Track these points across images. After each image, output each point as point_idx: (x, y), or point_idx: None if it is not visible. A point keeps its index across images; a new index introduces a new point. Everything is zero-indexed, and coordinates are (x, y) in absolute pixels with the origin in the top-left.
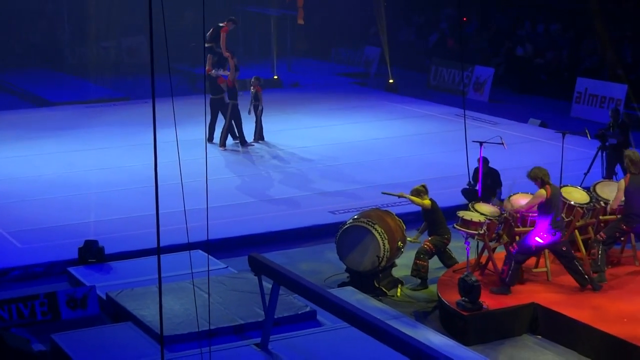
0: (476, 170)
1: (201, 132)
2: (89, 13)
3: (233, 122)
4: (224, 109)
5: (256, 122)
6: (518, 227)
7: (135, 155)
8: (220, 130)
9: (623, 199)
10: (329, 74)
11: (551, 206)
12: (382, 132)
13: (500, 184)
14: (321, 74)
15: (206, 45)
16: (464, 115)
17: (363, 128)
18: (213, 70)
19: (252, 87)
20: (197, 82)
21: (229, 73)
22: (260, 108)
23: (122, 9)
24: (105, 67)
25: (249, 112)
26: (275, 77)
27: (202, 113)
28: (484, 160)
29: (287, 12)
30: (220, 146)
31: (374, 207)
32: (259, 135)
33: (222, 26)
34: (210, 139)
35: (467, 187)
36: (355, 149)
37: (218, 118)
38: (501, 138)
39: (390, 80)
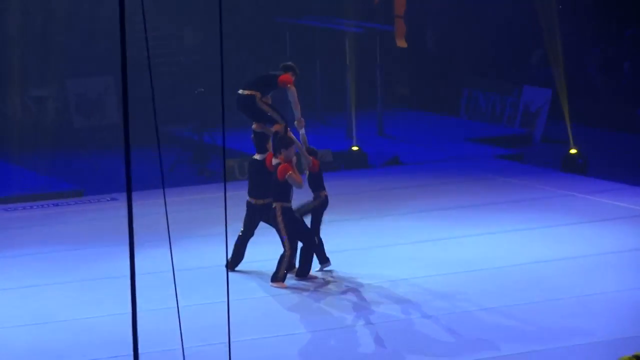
0: None
1: (221, 255)
2: (6, 36)
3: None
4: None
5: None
6: None
7: (95, 299)
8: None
9: None
10: (455, 139)
11: None
12: (561, 249)
13: None
14: (441, 142)
15: (243, 92)
16: None
17: (522, 242)
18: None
19: (305, 168)
20: (211, 161)
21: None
22: (317, 202)
23: (69, 29)
24: (39, 135)
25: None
26: (355, 147)
27: (219, 218)
28: None
29: (374, 26)
30: (274, 281)
31: None
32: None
33: (278, 75)
34: (235, 263)
35: None
36: (510, 282)
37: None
38: None
39: (572, 150)
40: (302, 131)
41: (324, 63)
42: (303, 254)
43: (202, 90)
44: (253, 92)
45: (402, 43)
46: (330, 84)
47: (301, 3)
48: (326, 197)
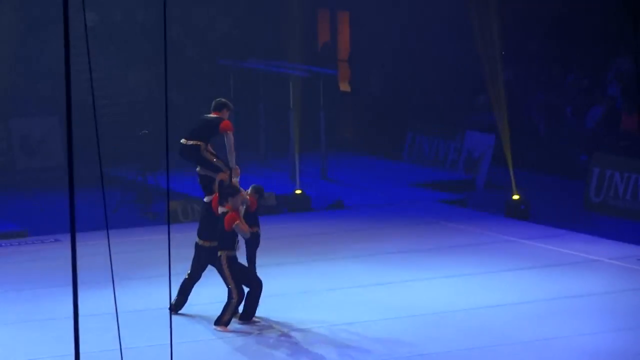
0: None
1: (164, 297)
2: None
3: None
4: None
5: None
6: None
7: (38, 340)
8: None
9: None
10: (398, 183)
11: None
12: (502, 294)
13: None
14: (384, 185)
15: (187, 143)
16: None
17: (465, 288)
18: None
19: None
20: (155, 202)
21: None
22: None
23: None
24: None
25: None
26: (299, 191)
27: (163, 259)
28: None
29: (318, 70)
30: (218, 325)
31: None
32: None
33: (219, 122)
34: (179, 305)
35: None
36: (452, 328)
37: (205, 271)
38: None
39: (515, 196)
40: (235, 180)
41: (268, 106)
42: (248, 299)
43: (147, 132)
44: (197, 143)
45: (345, 87)
46: (274, 126)
47: (245, 46)
48: (258, 234)
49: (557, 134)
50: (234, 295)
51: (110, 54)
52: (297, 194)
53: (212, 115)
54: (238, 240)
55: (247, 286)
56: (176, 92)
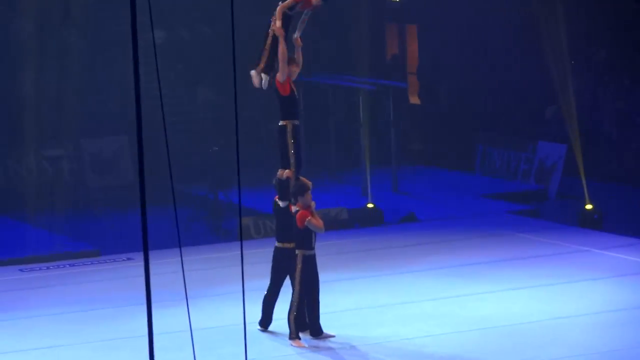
0: None
1: (238, 314)
2: (22, 96)
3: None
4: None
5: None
6: None
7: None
8: (289, 308)
9: None
10: (470, 195)
11: None
12: (578, 305)
13: None
14: (455, 198)
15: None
16: None
17: (539, 299)
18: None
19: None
20: (227, 219)
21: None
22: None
23: (83, 90)
24: (54, 195)
25: None
26: (370, 205)
27: (236, 276)
28: None
29: (387, 83)
30: (291, 338)
31: None
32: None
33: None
34: (265, 323)
35: None
36: (527, 339)
37: (284, 283)
38: None
39: (588, 206)
40: (281, 39)
41: (338, 120)
42: (309, 312)
43: (217, 148)
44: (283, 123)
45: (415, 99)
46: (345, 141)
47: (314, 60)
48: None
49: (629, 142)
50: (296, 298)
51: (178, 71)
52: (368, 208)
53: None
54: (315, 239)
55: (307, 294)
56: (245, 108)
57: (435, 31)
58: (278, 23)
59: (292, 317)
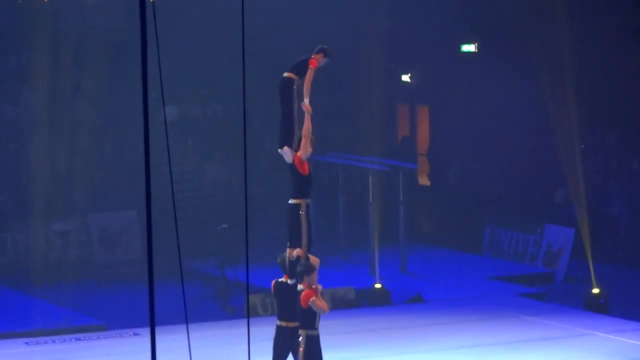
0: None
1: None
2: (32, 170)
3: None
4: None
5: None
6: None
7: None
8: None
9: None
10: (478, 277)
11: None
12: None
13: None
14: (463, 279)
15: (284, 75)
16: None
17: None
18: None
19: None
20: (234, 296)
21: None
22: None
23: (93, 164)
24: (61, 269)
25: None
26: (378, 285)
27: (243, 354)
28: None
29: (398, 163)
30: None
31: None
32: None
33: (310, 58)
34: None
35: None
36: None
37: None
38: None
39: (595, 290)
40: (307, 116)
41: (348, 199)
42: None
43: (226, 226)
44: (297, 201)
45: (424, 180)
46: (354, 219)
47: (325, 139)
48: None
49: (638, 226)
50: None
51: (188, 147)
52: (376, 288)
53: None
54: (319, 319)
55: None
56: (255, 185)
57: (446, 112)
58: (306, 100)
59: None
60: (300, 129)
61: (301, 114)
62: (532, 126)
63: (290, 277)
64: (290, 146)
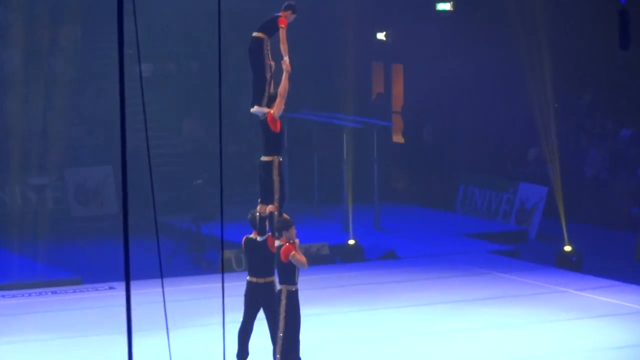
0: None
1: (219, 345)
2: (8, 126)
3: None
4: (274, 300)
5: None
6: None
7: None
8: (274, 344)
9: None
10: (451, 234)
11: None
12: (557, 344)
13: None
14: (437, 236)
15: (254, 35)
16: None
17: (518, 337)
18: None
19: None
20: (208, 251)
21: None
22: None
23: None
24: (38, 223)
25: None
26: (352, 241)
27: (217, 308)
28: None
29: (372, 121)
30: None
31: None
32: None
33: (279, 16)
34: (242, 356)
35: None
36: None
37: (258, 315)
38: None
39: (567, 247)
40: (284, 75)
41: (322, 157)
42: (291, 346)
43: (201, 181)
44: (269, 158)
45: (399, 138)
46: (328, 177)
47: (299, 97)
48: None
49: (611, 185)
50: (281, 334)
51: (164, 103)
52: (350, 244)
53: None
54: (298, 274)
55: (289, 329)
56: (230, 142)
57: (420, 71)
58: (286, 59)
59: (278, 352)
60: (274, 87)
61: (276, 72)
62: (507, 86)
63: (260, 234)
64: (260, 105)
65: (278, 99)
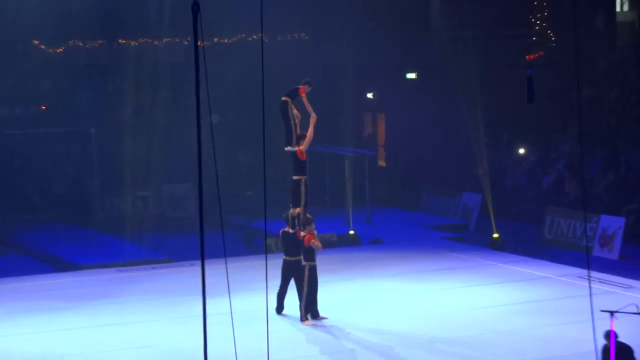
0: (606, 348)
1: (262, 301)
2: (124, 156)
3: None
4: (300, 272)
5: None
6: None
7: (179, 330)
8: (299, 301)
9: None
10: (417, 226)
11: None
12: (485, 300)
13: None
14: (408, 228)
15: (282, 99)
16: (589, 277)
17: (461, 295)
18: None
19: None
20: (257, 239)
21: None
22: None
23: (164, 152)
24: (143, 222)
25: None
26: (352, 232)
27: (262, 277)
28: (615, 335)
29: (364, 151)
30: (302, 320)
31: None
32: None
33: (299, 88)
34: (279, 310)
35: None
36: (452, 322)
37: (290, 283)
38: (637, 307)
39: (495, 235)
40: (311, 124)
41: (331, 177)
42: (311, 303)
43: (251, 193)
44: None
45: (382, 163)
46: (335, 189)
47: (315, 137)
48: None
49: (523, 194)
50: (304, 297)
51: (227, 141)
52: (350, 234)
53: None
54: (316, 254)
55: (311, 291)
56: (270, 166)
57: (396, 119)
58: (313, 114)
59: (302, 307)
60: (300, 129)
61: (303, 121)
62: (454, 128)
63: (291, 228)
64: (291, 145)
65: (307, 140)
